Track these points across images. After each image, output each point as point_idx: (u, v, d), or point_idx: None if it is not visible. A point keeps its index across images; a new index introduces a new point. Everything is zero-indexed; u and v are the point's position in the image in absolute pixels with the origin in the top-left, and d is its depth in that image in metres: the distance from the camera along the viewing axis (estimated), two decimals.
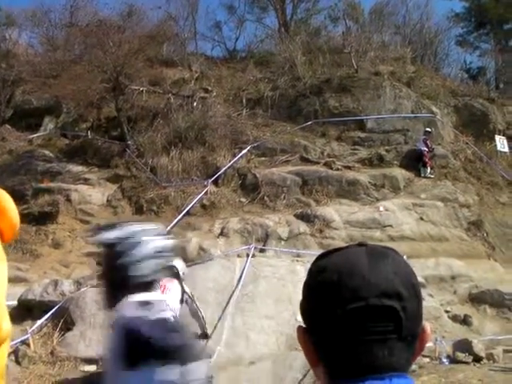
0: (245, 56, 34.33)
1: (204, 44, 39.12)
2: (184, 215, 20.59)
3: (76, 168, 24.36)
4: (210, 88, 28.21)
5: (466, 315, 16.93)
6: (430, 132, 24.70)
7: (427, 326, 1.46)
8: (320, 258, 1.49)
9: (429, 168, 23.63)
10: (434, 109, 27.33)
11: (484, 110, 30.21)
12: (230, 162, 22.97)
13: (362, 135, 25.20)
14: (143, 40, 26.67)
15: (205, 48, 37.81)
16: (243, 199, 21.77)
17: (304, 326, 1.46)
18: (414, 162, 23.95)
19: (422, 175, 23.45)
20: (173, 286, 8.58)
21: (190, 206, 20.96)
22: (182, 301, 9.02)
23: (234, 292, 14.90)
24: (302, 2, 37.86)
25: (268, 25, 38.32)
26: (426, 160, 23.64)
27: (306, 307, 1.45)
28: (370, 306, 1.33)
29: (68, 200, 22.14)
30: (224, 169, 22.64)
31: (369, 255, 1.42)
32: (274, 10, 37.43)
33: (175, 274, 8.78)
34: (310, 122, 25.18)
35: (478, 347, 14.36)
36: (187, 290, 9.59)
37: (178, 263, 9.20)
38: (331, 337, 1.36)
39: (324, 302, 1.37)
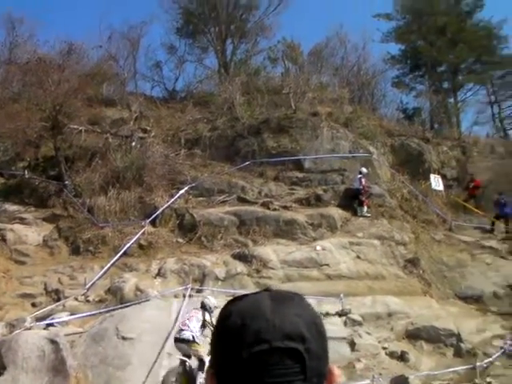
0: (184, 96, 34.44)
1: (144, 84, 38.99)
2: (121, 255, 20.49)
3: (12, 207, 24.06)
4: (148, 128, 28.12)
5: (402, 351, 17.13)
6: (366, 171, 24.99)
7: (334, 367, 1.47)
8: (227, 304, 1.50)
9: (365, 207, 23.90)
10: (371, 148, 27.78)
11: (419, 150, 30.91)
12: (167, 202, 22.92)
13: (300, 175, 25.40)
14: (83, 79, 26.61)
15: (144, 88, 37.74)
16: (180, 239, 21.71)
17: (212, 370, 1.46)
18: (351, 201, 24.19)
19: (359, 214, 23.67)
20: (196, 315, 13.49)
21: (127, 247, 20.87)
22: (203, 325, 13.31)
23: (170, 332, 14.89)
24: (242, 42, 38.33)
25: (208, 65, 38.64)
26: (363, 199, 23.90)
27: (214, 352, 1.46)
28: (273, 349, 1.34)
29: (3, 240, 21.83)
30: (162, 209, 22.57)
31: (272, 299, 1.44)
32: (214, 50, 37.81)
33: (204, 307, 13.61)
34: (247, 163, 25.33)
35: (415, 383, 14.62)
36: (208, 318, 13.38)
37: (211, 300, 13.94)
38: (237, 380, 1.36)
39: (229, 346, 1.38)
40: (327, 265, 20.39)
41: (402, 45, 44.96)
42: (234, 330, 1.40)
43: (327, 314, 17.68)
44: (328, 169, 25.92)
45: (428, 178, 29.13)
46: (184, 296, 17.12)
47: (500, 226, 27.63)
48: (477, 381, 15.62)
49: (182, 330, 13.33)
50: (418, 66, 44.52)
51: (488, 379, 15.80)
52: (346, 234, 22.51)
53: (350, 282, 20.23)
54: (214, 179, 24.42)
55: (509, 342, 18.38)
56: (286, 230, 21.88)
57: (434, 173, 30.16)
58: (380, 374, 15.41)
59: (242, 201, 23.55)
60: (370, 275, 20.93)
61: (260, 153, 26.08)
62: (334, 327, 17.12)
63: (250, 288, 18.59)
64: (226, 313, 1.47)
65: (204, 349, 12.77)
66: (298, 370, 1.35)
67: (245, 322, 1.39)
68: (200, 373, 13.20)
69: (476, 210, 28.86)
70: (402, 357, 17.06)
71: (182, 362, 13.34)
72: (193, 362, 13.31)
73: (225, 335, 1.42)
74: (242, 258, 20.09)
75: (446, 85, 45.13)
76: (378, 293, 19.94)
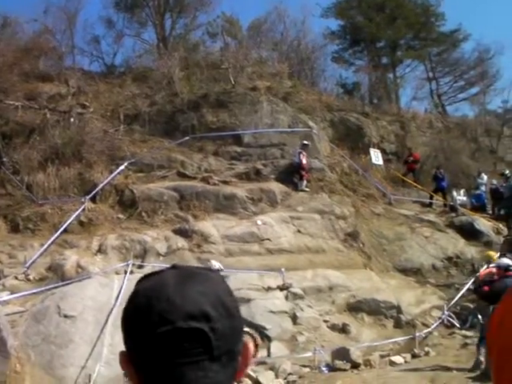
0: (123, 71, 33.88)
1: (82, 59, 38.10)
2: (61, 233, 20.22)
3: None
4: (87, 103, 27.59)
5: (344, 324, 17.47)
6: (306, 145, 25.09)
7: (249, 343, 1.46)
8: (136, 283, 1.47)
9: (305, 181, 24.06)
10: (311, 123, 27.89)
11: (359, 124, 31.25)
12: (107, 178, 22.65)
13: (239, 150, 25.45)
14: (18, 53, 26.13)
15: (82, 62, 36.69)
16: (121, 215, 21.57)
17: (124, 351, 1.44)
18: (291, 175, 24.34)
19: (299, 188, 23.84)
20: None
21: (67, 224, 20.60)
22: None
23: (112, 310, 14.87)
24: (180, 17, 37.89)
25: (146, 40, 38.14)
26: (303, 173, 24.05)
27: (124, 332, 1.44)
28: (177, 329, 1.32)
29: None
30: (101, 185, 22.31)
31: (178, 277, 1.41)
32: (152, 25, 37.34)
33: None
34: (187, 138, 25.22)
35: (356, 354, 14.91)
36: None
37: (215, 264, 15.59)
38: (147, 361, 1.35)
39: (136, 327, 1.37)
40: (268, 239, 20.53)
41: (342, 20, 45.09)
42: (140, 310, 1.38)
43: (269, 289, 17.87)
44: (267, 143, 26.00)
45: (367, 153, 29.47)
46: (125, 272, 17.08)
47: (438, 199, 28.27)
48: (415, 350, 16.04)
49: None
50: (358, 41, 44.69)
51: (426, 349, 16.25)
52: (286, 208, 22.64)
53: (290, 256, 20.42)
54: (154, 155, 24.25)
55: (446, 312, 18.93)
56: (227, 205, 21.96)
57: (374, 147, 30.53)
58: (322, 347, 15.69)
59: (182, 176, 23.46)
60: (311, 249, 21.17)
61: (199, 128, 25.98)
62: (275, 301, 17.37)
63: (192, 263, 18.56)
64: (133, 293, 1.45)
65: None
66: (203, 349, 1.33)
67: (149, 303, 1.37)
68: None
69: (415, 184, 29.38)
70: (343, 329, 17.40)
71: None
72: None
73: (132, 316, 1.41)
74: (182, 233, 20.06)
75: (384, 60, 45.40)
76: (319, 266, 20.17)
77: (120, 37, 37.44)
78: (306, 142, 25.32)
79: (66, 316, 14.89)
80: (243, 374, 1.48)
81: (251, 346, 1.48)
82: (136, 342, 1.37)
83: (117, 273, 17.56)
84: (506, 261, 14.88)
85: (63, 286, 16.73)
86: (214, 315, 1.35)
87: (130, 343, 1.40)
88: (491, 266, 15.67)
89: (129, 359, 1.41)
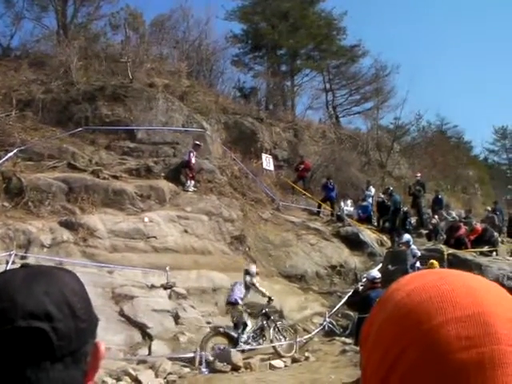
0: (19, 55, 33.08)
1: None
2: None
3: None
4: None
5: (226, 326, 17.62)
6: (198, 145, 25.26)
7: (100, 344, 1.46)
8: None
9: (192, 181, 24.23)
10: (205, 124, 28.12)
11: (253, 129, 31.64)
12: None
13: (132, 145, 25.37)
14: None
15: None
16: (6, 203, 20.96)
17: None
18: (181, 175, 24.51)
19: (185, 188, 24.00)
20: (239, 280, 17.17)
21: None
22: (246, 288, 16.97)
23: None
24: (83, 6, 37.22)
25: (47, 25, 37.23)
26: (189, 173, 24.20)
27: None
28: (16, 328, 1.28)
29: None
30: None
31: (24, 276, 1.38)
32: (54, 10, 36.49)
33: (247, 273, 17.44)
34: (80, 129, 24.86)
35: (237, 357, 15.11)
36: (248, 280, 17.11)
37: (251, 267, 18.04)
38: None
39: None
40: (154, 237, 20.51)
41: (245, 24, 45.68)
42: None
43: (152, 287, 17.91)
44: (160, 141, 26.08)
45: (260, 158, 29.90)
46: (7, 262, 16.73)
47: (326, 208, 28.98)
48: (295, 355, 16.42)
49: (229, 295, 16.91)
50: (259, 46, 45.30)
51: (306, 354, 16.66)
52: (174, 207, 22.70)
53: (176, 255, 20.48)
54: (45, 144, 23.66)
55: (328, 319, 19.50)
56: (115, 200, 21.71)
57: (266, 153, 31.02)
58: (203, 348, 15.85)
59: (72, 167, 23.00)
60: (197, 250, 21.29)
61: (93, 120, 25.71)
62: (159, 300, 17.44)
63: (76, 256, 18.52)
64: None
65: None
66: (45, 349, 1.30)
67: None
68: (242, 335, 16.39)
69: (304, 192, 29.98)
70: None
71: (216, 328, 16.68)
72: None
73: None
74: (68, 225, 19.72)
75: (284, 68, 46.25)
76: (204, 267, 20.32)
77: (19, 19, 36.39)
78: (197, 142, 25.48)
79: None
80: (94, 375, 1.45)
81: (102, 347, 1.46)
82: None
83: None
84: (373, 273, 15.76)
85: None
86: (56, 315, 1.33)
87: None
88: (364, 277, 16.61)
89: None
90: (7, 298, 1.32)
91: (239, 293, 16.79)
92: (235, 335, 16.31)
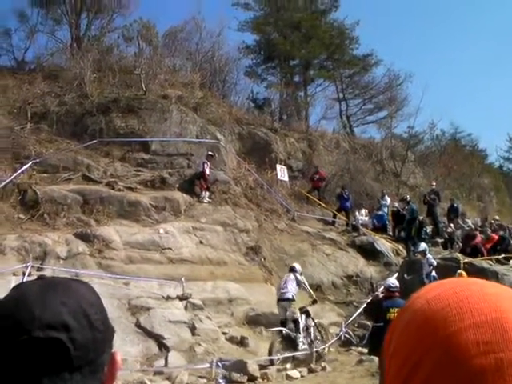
0: (33, 68, 33.23)
1: None
2: None
3: None
4: None
5: (242, 337, 17.48)
6: (212, 156, 25.31)
7: (116, 354, 1.47)
8: (11, 290, 1.44)
9: (207, 192, 24.23)
10: (219, 135, 28.17)
11: (267, 140, 31.66)
12: (10, 176, 22.13)
13: (146, 157, 25.42)
14: None
15: None
16: (22, 216, 21.07)
17: None
18: (196, 186, 24.53)
19: (200, 199, 24.01)
20: (289, 277, 17.38)
21: None
22: (298, 284, 17.20)
23: None
24: (96, 18, 37.41)
25: (60, 38, 37.40)
26: (203, 184, 24.21)
27: None
28: (33, 339, 1.29)
29: None
30: (4, 183, 21.74)
31: (41, 288, 1.39)
32: (68, 23, 36.78)
33: (293, 270, 17.87)
34: (94, 141, 24.89)
35: (253, 367, 15.00)
36: (299, 278, 17.46)
37: (297, 265, 18.56)
38: (5, 372, 1.31)
39: None
40: (170, 248, 20.53)
41: (258, 35, 45.79)
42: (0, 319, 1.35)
43: (168, 298, 17.88)
44: (174, 152, 26.11)
45: (274, 168, 29.89)
46: (24, 274, 16.77)
47: (341, 218, 28.96)
48: (312, 365, 16.34)
49: (283, 292, 17.05)
50: (272, 57, 45.38)
51: (323, 364, 16.59)
52: (189, 218, 22.70)
53: (191, 266, 20.46)
54: (60, 156, 23.79)
55: (344, 329, 19.44)
56: (130, 212, 21.78)
57: (280, 163, 31.01)
58: (220, 359, 15.75)
59: (87, 179, 23.16)
60: (212, 261, 21.27)
61: (107, 132, 25.79)
62: (175, 311, 17.38)
63: (92, 268, 18.56)
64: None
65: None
66: (62, 359, 1.31)
67: (8, 313, 1.34)
68: (297, 334, 16.57)
69: (319, 202, 29.98)
70: (241, 342, 17.39)
71: (280, 332, 16.52)
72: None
73: None
74: (84, 237, 19.74)
75: (297, 78, 46.34)
76: (220, 278, 20.29)
77: (33, 32, 36.57)
78: (211, 152, 25.51)
79: None
80: None
81: (118, 358, 1.47)
82: None
83: (14, 274, 17.22)
84: (390, 281, 15.54)
85: None
86: (73, 325, 1.34)
87: None
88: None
89: None
90: (24, 309, 1.33)
91: (294, 289, 17.07)
92: (292, 336, 16.55)
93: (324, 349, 17.53)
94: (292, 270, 17.93)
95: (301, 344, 16.53)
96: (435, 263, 21.34)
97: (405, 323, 1.10)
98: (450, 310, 1.03)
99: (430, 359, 1.01)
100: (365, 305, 20.83)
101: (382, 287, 16.68)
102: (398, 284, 14.70)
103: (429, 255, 21.79)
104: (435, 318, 1.04)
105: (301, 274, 17.89)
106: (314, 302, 17.73)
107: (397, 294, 14.20)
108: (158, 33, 37.24)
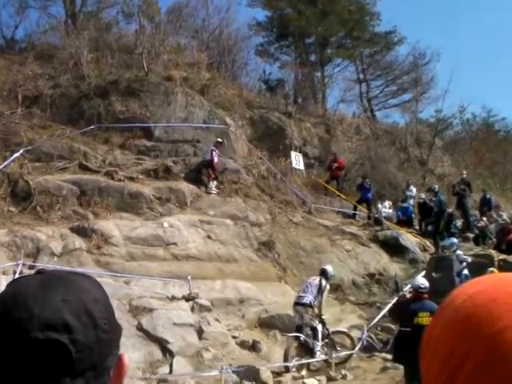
0: (24, 47, 33.14)
1: None
2: None
3: None
4: None
5: (254, 341, 17.38)
6: (221, 143, 25.14)
7: (124, 356, 1.43)
8: (6, 286, 1.42)
9: (214, 182, 24.13)
10: (228, 120, 28.07)
11: (280, 125, 31.48)
12: None
13: (149, 144, 25.33)
14: None
15: None
16: (13, 208, 20.97)
17: None
18: (203, 175, 24.40)
19: (207, 189, 23.92)
20: (314, 281, 17.28)
21: None
22: (319, 291, 16.96)
23: None
24: None
25: (54, 15, 37.20)
26: (211, 173, 24.06)
27: None
28: (32, 340, 1.26)
29: None
30: None
31: (40, 283, 1.36)
32: None
33: (323, 273, 17.70)
34: (92, 127, 24.78)
35: (266, 375, 14.91)
36: (323, 284, 17.20)
37: (329, 268, 18.29)
38: (4, 377, 1.28)
39: None
40: (175, 244, 20.39)
41: (270, 11, 45.58)
42: None
43: (173, 298, 17.75)
44: (180, 139, 26.07)
45: (288, 156, 29.68)
46: (14, 273, 16.68)
47: (362, 210, 28.75)
48: (331, 373, 16.16)
49: (301, 296, 17.05)
50: (285, 35, 45.23)
51: (343, 371, 16.40)
52: (196, 211, 22.59)
53: (198, 263, 20.35)
54: (54, 143, 23.68)
55: (366, 333, 19.18)
56: (131, 204, 21.67)
57: (295, 150, 30.83)
58: (230, 365, 15.60)
59: (84, 168, 23.01)
60: (221, 257, 21.15)
61: (106, 117, 25.70)
62: (180, 312, 17.22)
63: (89, 265, 18.42)
64: None
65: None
66: (63, 363, 1.28)
67: (6, 311, 1.32)
68: (315, 342, 16.51)
69: (338, 193, 29.77)
70: (253, 347, 17.30)
71: (296, 338, 16.48)
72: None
73: None
74: (81, 231, 19.64)
75: (313, 58, 46.11)
76: (229, 277, 20.20)
77: (23, 8, 36.44)
78: (220, 139, 25.35)
79: None
80: None
81: (126, 360, 1.44)
82: None
83: (4, 273, 17.12)
84: (419, 281, 14.93)
85: None
86: (75, 325, 1.31)
87: None
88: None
89: None
90: (22, 307, 1.31)
91: (312, 295, 16.95)
92: (310, 343, 16.51)
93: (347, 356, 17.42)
94: (322, 273, 17.83)
95: (318, 353, 16.45)
96: (469, 259, 21.05)
97: (445, 321, 1.10)
98: (497, 306, 1.03)
99: (474, 358, 1.01)
100: (389, 306, 20.60)
101: (409, 286, 16.45)
102: (427, 284, 14.40)
103: (458, 251, 21.56)
104: (479, 313, 1.04)
105: (328, 281, 17.90)
106: (320, 317, 17.22)
107: (426, 295, 13.93)
108: (161, 8, 37.19)
